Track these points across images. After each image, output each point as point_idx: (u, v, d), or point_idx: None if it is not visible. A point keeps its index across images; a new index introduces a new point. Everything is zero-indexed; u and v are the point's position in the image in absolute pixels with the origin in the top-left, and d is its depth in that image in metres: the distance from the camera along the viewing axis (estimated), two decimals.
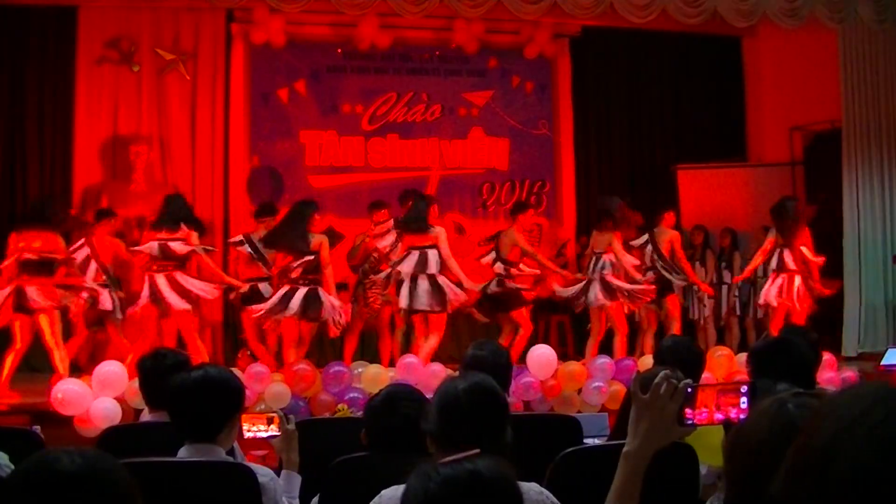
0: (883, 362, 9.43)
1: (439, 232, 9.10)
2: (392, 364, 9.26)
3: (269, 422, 3.74)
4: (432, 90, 12.71)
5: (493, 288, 9.72)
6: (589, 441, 4.44)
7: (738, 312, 11.50)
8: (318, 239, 8.88)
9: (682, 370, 3.01)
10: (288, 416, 3.85)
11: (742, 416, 2.23)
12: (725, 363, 9.00)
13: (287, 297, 8.79)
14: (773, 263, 9.93)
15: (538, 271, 9.99)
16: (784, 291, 9.81)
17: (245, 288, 9.54)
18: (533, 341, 9.81)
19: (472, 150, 12.77)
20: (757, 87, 13.23)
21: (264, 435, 3.74)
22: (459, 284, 9.10)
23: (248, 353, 9.85)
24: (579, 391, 8.78)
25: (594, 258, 9.90)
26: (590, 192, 12.77)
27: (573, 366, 8.95)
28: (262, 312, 8.89)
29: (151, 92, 11.82)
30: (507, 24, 12.30)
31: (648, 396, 2.27)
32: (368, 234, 10.15)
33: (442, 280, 8.99)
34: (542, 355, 8.80)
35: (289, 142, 12.29)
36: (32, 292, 8.30)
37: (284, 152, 12.28)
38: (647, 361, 8.28)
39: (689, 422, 2.28)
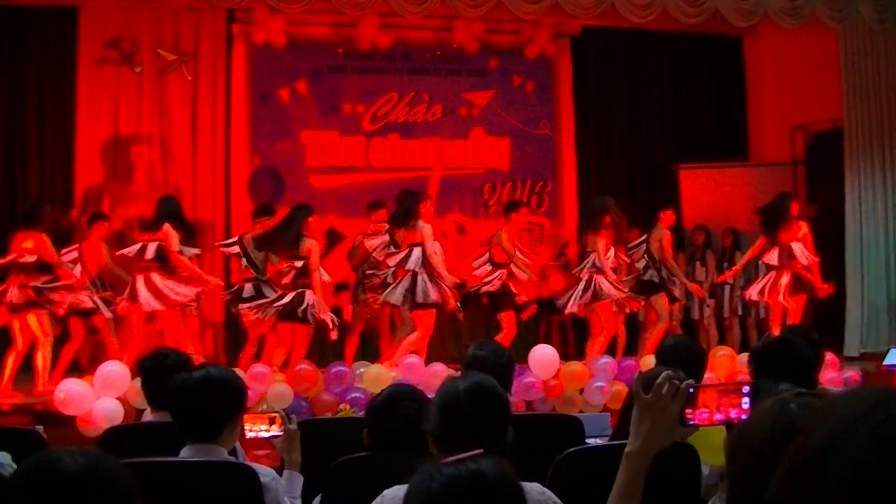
0: (885, 362, 9.44)
1: (423, 228, 9.11)
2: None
3: (271, 422, 3.75)
4: (433, 90, 12.70)
5: (486, 287, 9.75)
6: (591, 441, 4.44)
7: (739, 312, 11.50)
8: (308, 244, 8.87)
9: (684, 370, 3.01)
10: (290, 415, 3.85)
11: (743, 417, 2.23)
12: (727, 363, 9.00)
13: (276, 300, 8.85)
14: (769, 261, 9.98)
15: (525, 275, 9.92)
16: (768, 289, 9.82)
17: (214, 286, 9.54)
18: (534, 341, 9.81)
19: (474, 150, 12.76)
20: (758, 86, 13.22)
21: (266, 435, 3.74)
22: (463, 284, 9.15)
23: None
24: (581, 391, 8.78)
25: (586, 257, 9.91)
26: (591, 191, 12.75)
27: (575, 366, 8.95)
28: (252, 313, 8.96)
29: (152, 92, 11.82)
30: (507, 24, 12.30)
31: (650, 397, 2.27)
32: (366, 235, 10.16)
33: (421, 278, 9.03)
34: (544, 355, 8.81)
35: (290, 142, 12.28)
36: (16, 293, 8.43)
37: (285, 152, 12.27)
38: (649, 361, 8.28)
39: (691, 422, 2.29)
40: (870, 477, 1.20)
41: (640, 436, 2.28)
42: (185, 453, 3.32)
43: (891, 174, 11.06)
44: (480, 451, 1.93)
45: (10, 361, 8.59)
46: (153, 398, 4.37)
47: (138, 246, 9.00)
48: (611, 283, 9.64)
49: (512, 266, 9.79)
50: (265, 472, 3.34)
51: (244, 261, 9.50)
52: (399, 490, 2.45)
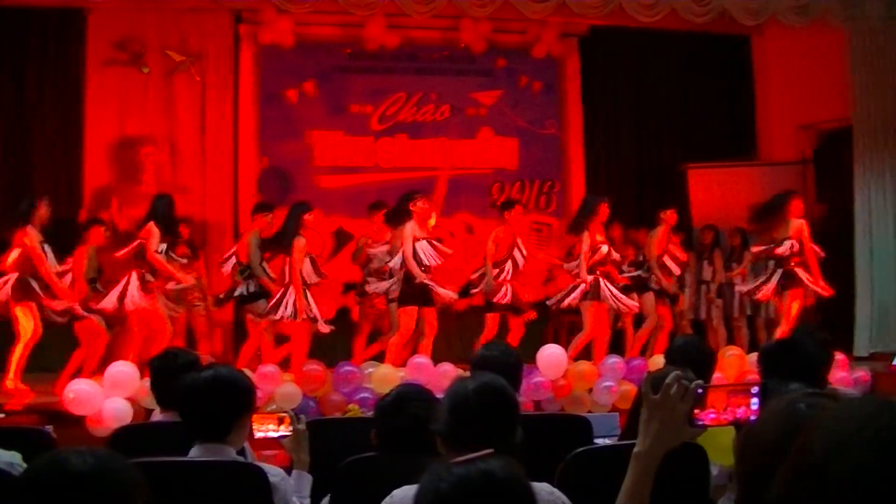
0: (895, 362, 9.41)
1: (405, 226, 9.12)
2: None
3: (280, 422, 3.75)
4: (441, 90, 12.69)
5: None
6: (599, 441, 4.44)
7: (748, 312, 11.47)
8: (297, 241, 8.93)
9: (693, 370, 3.01)
10: (298, 416, 3.85)
11: (752, 417, 2.23)
12: (736, 363, 8.99)
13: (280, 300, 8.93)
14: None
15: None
16: (762, 288, 9.84)
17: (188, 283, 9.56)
18: (543, 341, 9.79)
19: (481, 149, 12.76)
20: (766, 85, 13.19)
21: (275, 435, 3.74)
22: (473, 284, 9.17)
23: (257, 353, 9.85)
24: (590, 391, 8.77)
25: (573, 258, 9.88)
26: (599, 191, 12.71)
27: (583, 365, 8.95)
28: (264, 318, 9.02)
29: (160, 93, 11.84)
30: (514, 24, 12.29)
31: (659, 397, 2.27)
32: (368, 235, 10.14)
33: (398, 277, 9.15)
34: (553, 355, 8.80)
35: (297, 142, 12.29)
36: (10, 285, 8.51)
37: (293, 153, 12.27)
38: (657, 361, 8.27)
39: (700, 423, 2.28)
40: (870, 477, 1.21)
41: (648, 436, 2.28)
42: (194, 453, 3.33)
43: None
44: (490, 451, 1.93)
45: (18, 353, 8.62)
46: (162, 398, 4.38)
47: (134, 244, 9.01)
48: (611, 289, 9.55)
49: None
50: (274, 472, 3.34)
51: (241, 275, 9.49)
52: (408, 490, 2.45)
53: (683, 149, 13.15)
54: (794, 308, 9.65)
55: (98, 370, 8.57)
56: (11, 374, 8.55)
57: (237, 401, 3.42)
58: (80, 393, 7.66)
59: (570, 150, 12.95)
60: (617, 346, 10.11)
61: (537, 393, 8.51)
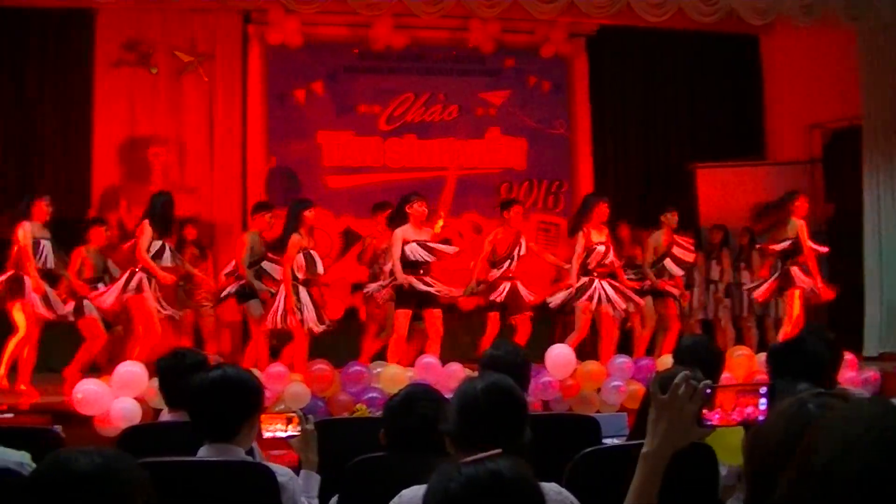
0: None
1: (396, 230, 9.13)
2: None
3: (288, 421, 3.75)
4: (449, 90, 12.70)
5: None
6: (608, 441, 4.44)
7: (757, 312, 11.44)
8: (293, 237, 8.93)
9: (702, 370, 3.00)
10: (307, 415, 3.85)
11: (761, 417, 2.23)
12: (745, 363, 8.96)
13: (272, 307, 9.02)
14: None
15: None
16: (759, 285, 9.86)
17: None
18: (550, 341, 9.77)
19: (490, 149, 12.76)
20: (774, 84, 13.17)
21: (283, 435, 3.75)
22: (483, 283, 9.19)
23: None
24: (598, 391, 8.76)
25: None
26: (607, 191, 12.69)
27: (591, 365, 8.92)
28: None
29: (169, 93, 11.87)
30: (522, 24, 12.28)
31: (667, 397, 2.27)
32: (373, 236, 10.14)
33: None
34: (561, 355, 8.79)
35: (306, 142, 12.30)
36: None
37: (301, 153, 12.29)
38: (666, 361, 8.26)
39: (708, 423, 2.28)
40: (876, 478, 1.21)
41: (656, 436, 2.27)
42: (203, 453, 3.33)
43: None
44: (499, 451, 1.93)
45: (25, 352, 8.63)
46: (170, 398, 4.38)
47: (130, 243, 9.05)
48: (606, 290, 9.49)
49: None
50: (282, 472, 3.34)
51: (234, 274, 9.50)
52: (417, 490, 2.45)
53: (691, 148, 13.15)
54: (797, 308, 9.63)
55: (91, 371, 8.61)
56: (2, 370, 8.58)
57: (245, 401, 3.42)
58: (89, 393, 7.67)
59: (579, 149, 12.95)
60: (625, 346, 10.10)
61: (545, 393, 8.51)
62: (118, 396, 7.65)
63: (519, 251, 9.61)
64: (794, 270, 9.59)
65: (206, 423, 3.37)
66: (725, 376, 6.45)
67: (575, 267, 9.50)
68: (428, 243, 9.15)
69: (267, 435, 3.72)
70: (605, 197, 9.85)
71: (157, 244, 8.81)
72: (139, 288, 8.72)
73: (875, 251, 10.95)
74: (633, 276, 10.41)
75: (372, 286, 9.58)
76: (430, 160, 12.58)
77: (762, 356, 7.70)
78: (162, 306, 8.99)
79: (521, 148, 12.84)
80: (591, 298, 9.40)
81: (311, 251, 9.04)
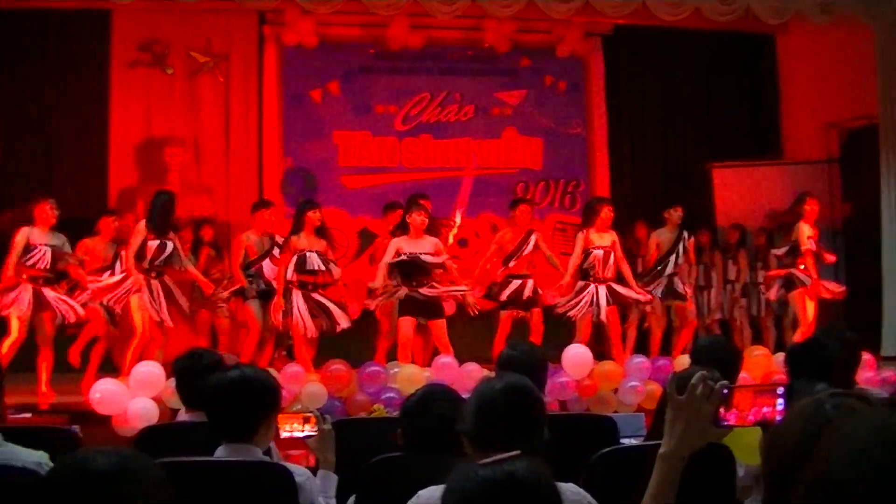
0: None
1: (394, 239, 9.15)
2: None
3: (306, 421, 3.76)
4: (465, 90, 12.70)
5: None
6: (625, 441, 4.43)
7: (775, 312, 11.40)
8: (291, 238, 8.93)
9: (719, 370, 2.99)
10: (324, 415, 3.86)
11: (778, 418, 2.22)
12: (763, 363, 8.92)
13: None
14: None
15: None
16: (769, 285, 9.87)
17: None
18: (568, 341, 9.75)
19: (506, 149, 12.76)
20: (791, 83, 13.13)
21: (300, 435, 3.75)
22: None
23: (284, 353, 9.88)
24: (615, 391, 8.74)
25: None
26: (624, 191, 12.72)
27: (609, 365, 8.91)
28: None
29: (185, 94, 11.92)
30: (538, 24, 12.26)
31: (685, 397, 2.27)
32: (384, 237, 10.11)
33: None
34: (578, 355, 8.77)
35: (322, 142, 12.33)
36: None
37: (318, 153, 12.31)
38: (683, 361, 8.24)
39: (725, 423, 2.28)
40: (886, 485, 1.21)
41: (674, 436, 2.27)
42: (220, 453, 3.34)
43: None
44: (517, 452, 1.93)
45: (39, 364, 8.66)
46: (188, 398, 4.39)
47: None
48: (600, 298, 9.41)
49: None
50: (300, 472, 3.35)
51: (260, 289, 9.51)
52: (434, 490, 2.46)
53: (708, 148, 13.12)
54: (810, 308, 9.60)
55: (108, 371, 8.66)
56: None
57: (263, 401, 3.42)
58: (107, 393, 7.70)
59: (595, 149, 12.94)
60: (642, 346, 10.07)
61: (563, 393, 8.49)
62: (136, 396, 7.68)
63: (525, 249, 9.56)
64: (797, 272, 9.60)
65: (224, 423, 3.38)
66: (742, 376, 6.43)
67: (570, 270, 9.43)
68: (420, 256, 9.07)
69: (284, 435, 3.72)
70: (609, 200, 9.78)
71: (155, 243, 8.76)
72: (134, 289, 8.71)
73: (893, 250, 10.87)
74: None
75: (371, 303, 9.46)
76: (447, 160, 12.59)
77: (780, 356, 7.68)
78: (157, 310, 8.81)
79: (538, 148, 12.83)
80: (579, 303, 9.30)
81: (312, 252, 8.94)
